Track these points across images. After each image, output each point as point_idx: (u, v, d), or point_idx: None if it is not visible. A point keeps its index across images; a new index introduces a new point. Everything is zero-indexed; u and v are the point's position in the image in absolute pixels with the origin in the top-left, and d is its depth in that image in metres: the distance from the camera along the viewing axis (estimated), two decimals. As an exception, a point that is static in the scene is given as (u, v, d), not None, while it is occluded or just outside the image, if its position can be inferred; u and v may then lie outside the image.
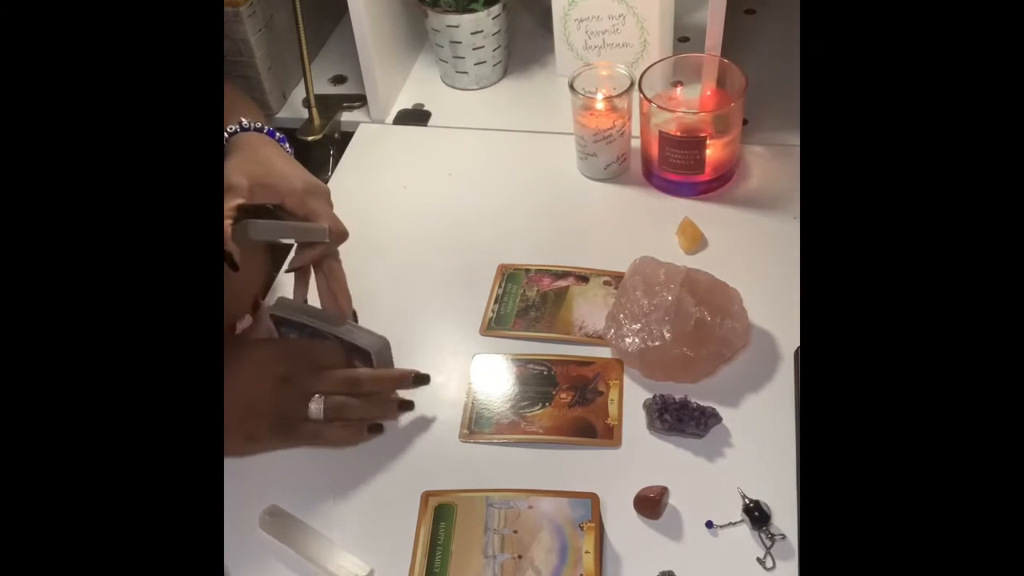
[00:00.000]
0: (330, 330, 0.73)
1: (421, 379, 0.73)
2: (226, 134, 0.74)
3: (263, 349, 0.72)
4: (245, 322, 0.76)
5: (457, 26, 1.04)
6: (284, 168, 0.73)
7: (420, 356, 0.79)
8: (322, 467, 0.71)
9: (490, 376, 0.77)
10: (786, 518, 0.65)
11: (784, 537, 0.64)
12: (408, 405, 0.73)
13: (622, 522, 0.66)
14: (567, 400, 0.74)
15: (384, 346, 0.73)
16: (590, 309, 0.82)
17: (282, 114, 1.10)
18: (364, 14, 0.97)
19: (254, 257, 0.84)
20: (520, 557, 0.64)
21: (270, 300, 0.85)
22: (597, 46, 1.06)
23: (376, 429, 0.72)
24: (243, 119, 0.75)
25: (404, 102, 1.10)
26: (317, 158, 1.05)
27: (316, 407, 0.69)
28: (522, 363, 0.78)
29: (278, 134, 0.78)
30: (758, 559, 0.63)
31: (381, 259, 0.87)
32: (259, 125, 0.76)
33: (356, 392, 0.71)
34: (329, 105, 1.07)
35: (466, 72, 1.09)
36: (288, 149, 0.78)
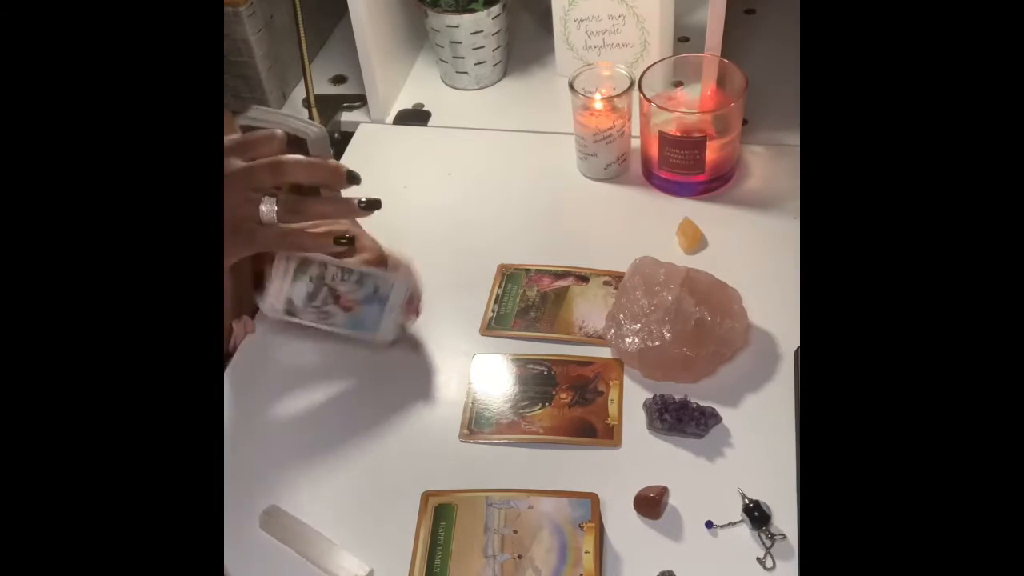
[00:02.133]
0: (270, 124, 0.67)
1: (372, 203, 0.68)
2: None
3: None
4: (241, 325, 0.76)
5: (457, 26, 1.04)
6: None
7: (420, 356, 0.79)
8: (322, 467, 0.71)
9: (490, 376, 0.77)
10: (786, 518, 0.65)
11: (784, 537, 0.64)
12: (375, 203, 0.68)
13: (622, 522, 0.66)
14: (567, 400, 0.74)
15: (321, 136, 0.68)
16: (590, 309, 0.82)
17: (282, 114, 1.10)
18: (364, 14, 0.97)
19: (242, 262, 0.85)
20: (520, 557, 0.64)
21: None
22: (597, 46, 1.06)
23: (374, 205, 0.68)
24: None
25: (404, 102, 1.10)
26: (317, 158, 1.05)
27: (267, 208, 0.65)
28: (522, 363, 0.78)
29: None
30: (758, 559, 0.63)
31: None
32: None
33: (284, 179, 0.66)
34: (329, 105, 1.07)
35: (466, 72, 1.09)
36: None
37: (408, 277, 0.74)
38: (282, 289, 0.70)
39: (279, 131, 0.67)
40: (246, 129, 0.71)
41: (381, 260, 0.75)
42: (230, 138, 0.67)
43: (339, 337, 0.74)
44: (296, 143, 0.67)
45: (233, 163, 0.65)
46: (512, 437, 0.72)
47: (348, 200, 0.68)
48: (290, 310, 0.71)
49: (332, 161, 0.69)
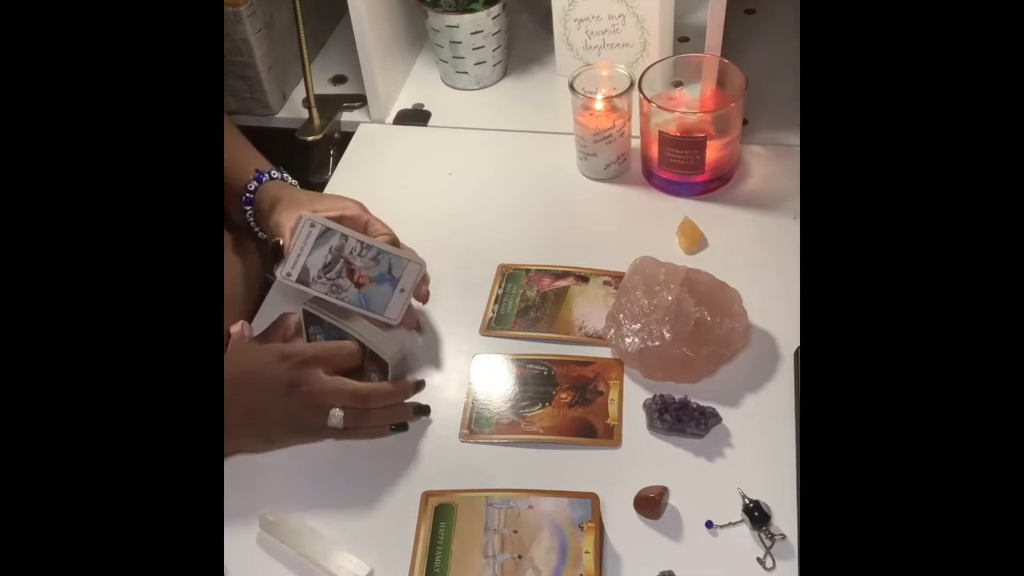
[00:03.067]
0: (356, 335, 0.72)
1: (421, 409, 0.73)
2: (253, 184, 0.80)
3: (265, 354, 0.71)
4: (238, 327, 0.76)
5: (457, 26, 1.04)
6: (327, 197, 0.79)
7: (420, 356, 0.79)
8: (322, 467, 0.71)
9: (490, 376, 0.77)
10: (786, 518, 0.65)
11: (784, 537, 0.64)
12: (424, 410, 0.73)
13: (622, 522, 0.66)
14: (567, 400, 0.74)
15: (402, 359, 0.73)
16: (590, 309, 0.82)
17: (282, 114, 1.10)
18: (364, 14, 0.97)
19: (244, 261, 0.85)
20: (520, 557, 0.64)
21: (269, 303, 0.85)
22: (597, 46, 1.06)
23: (401, 428, 0.72)
24: (261, 168, 0.81)
25: (404, 102, 1.10)
26: (317, 158, 1.05)
27: (336, 419, 0.69)
28: (522, 363, 0.78)
29: (285, 175, 0.84)
30: (758, 559, 0.63)
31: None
32: (275, 174, 0.82)
33: (361, 407, 0.70)
34: (329, 105, 1.07)
35: (466, 72, 1.09)
36: (293, 182, 0.84)
37: (420, 262, 0.76)
38: (301, 255, 0.72)
39: (355, 347, 0.72)
40: (309, 318, 0.76)
41: (395, 243, 0.77)
42: (313, 348, 0.72)
43: (341, 331, 0.74)
44: (374, 358, 0.74)
45: (318, 376, 0.69)
46: (512, 437, 0.72)
47: (404, 406, 0.73)
48: (303, 279, 0.72)
49: (403, 383, 0.72)
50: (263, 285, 0.87)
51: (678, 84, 0.96)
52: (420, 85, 1.13)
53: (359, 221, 0.77)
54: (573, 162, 0.97)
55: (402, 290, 0.75)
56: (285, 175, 0.84)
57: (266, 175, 0.81)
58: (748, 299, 0.78)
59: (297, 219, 0.73)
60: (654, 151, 0.91)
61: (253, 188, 0.81)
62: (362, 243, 0.74)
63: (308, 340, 0.75)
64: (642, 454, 0.70)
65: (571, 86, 0.91)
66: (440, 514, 0.67)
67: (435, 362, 0.78)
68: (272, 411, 0.69)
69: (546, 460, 0.71)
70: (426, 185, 0.98)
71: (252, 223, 0.82)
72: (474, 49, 1.06)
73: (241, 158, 0.84)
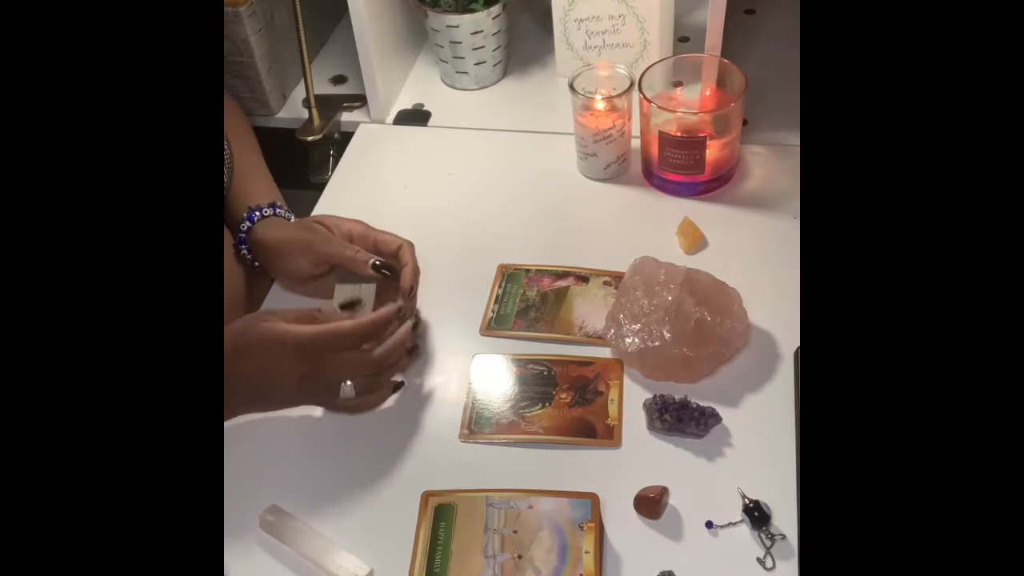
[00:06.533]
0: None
1: (404, 316, 0.74)
2: (246, 224, 0.82)
3: (277, 350, 0.69)
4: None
5: (457, 26, 1.04)
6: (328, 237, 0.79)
7: (420, 356, 0.79)
8: (322, 467, 0.71)
9: (490, 376, 0.77)
10: (786, 518, 0.65)
11: (784, 537, 0.64)
12: (415, 350, 0.78)
13: (622, 522, 0.66)
14: (567, 400, 0.74)
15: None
16: (590, 309, 0.82)
17: (282, 114, 1.10)
18: (364, 14, 0.97)
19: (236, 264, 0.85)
20: (520, 557, 0.64)
21: (269, 302, 0.85)
22: (597, 46, 1.06)
23: (399, 387, 0.75)
24: (253, 203, 0.83)
25: (404, 102, 1.10)
26: (317, 158, 1.05)
27: (347, 391, 0.70)
28: (522, 363, 0.78)
29: (279, 210, 0.84)
30: (758, 559, 0.63)
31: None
32: (266, 211, 0.83)
33: (369, 361, 0.70)
34: (329, 105, 1.07)
35: (466, 72, 1.09)
36: (288, 215, 0.85)
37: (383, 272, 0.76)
38: None
39: (393, 308, 0.72)
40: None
41: (408, 250, 0.77)
42: (363, 323, 0.70)
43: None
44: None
45: (367, 354, 0.70)
46: (512, 437, 0.72)
47: (400, 356, 0.74)
48: None
49: (384, 311, 0.72)
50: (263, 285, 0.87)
51: (678, 84, 0.96)
52: (420, 85, 1.13)
53: (367, 240, 0.78)
54: (573, 162, 0.97)
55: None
56: (278, 210, 0.83)
57: (257, 213, 0.82)
58: (748, 299, 0.78)
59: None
60: (654, 151, 0.91)
61: (246, 228, 0.82)
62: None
63: None
64: (642, 454, 0.70)
65: (571, 86, 0.91)
66: (440, 514, 0.67)
67: (435, 362, 0.78)
68: (283, 396, 0.71)
69: (546, 460, 0.71)
70: (426, 185, 0.98)
71: (249, 261, 0.83)
72: (474, 49, 1.06)
73: (246, 186, 0.86)
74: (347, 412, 0.73)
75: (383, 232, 0.78)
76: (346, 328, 0.69)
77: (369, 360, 0.70)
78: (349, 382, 0.69)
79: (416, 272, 0.77)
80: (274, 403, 0.72)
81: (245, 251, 0.83)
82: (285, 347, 0.67)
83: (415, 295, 0.78)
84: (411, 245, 0.77)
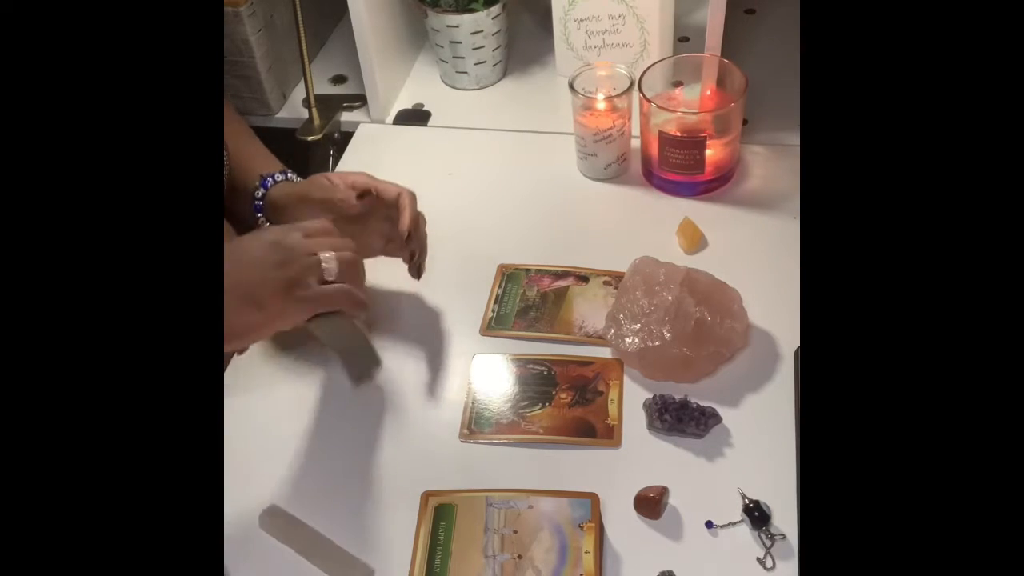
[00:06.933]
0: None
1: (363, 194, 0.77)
2: (260, 191, 0.82)
3: (253, 242, 0.68)
4: None
5: (457, 26, 1.04)
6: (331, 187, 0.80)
7: (420, 356, 0.79)
8: (322, 467, 0.71)
9: (490, 376, 0.77)
10: (786, 518, 0.65)
11: (784, 537, 0.64)
12: (420, 271, 0.80)
13: (622, 522, 0.66)
14: (567, 400, 0.74)
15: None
16: (590, 309, 0.82)
17: (282, 114, 1.10)
18: (364, 14, 0.97)
19: None
20: (520, 557, 0.64)
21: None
22: (597, 46, 1.06)
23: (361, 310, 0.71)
24: (264, 172, 0.83)
25: (404, 102, 1.10)
26: (317, 158, 1.05)
27: (331, 261, 0.67)
28: (522, 363, 0.78)
29: (290, 175, 0.85)
30: (758, 559, 0.63)
31: (380, 259, 0.87)
32: (279, 176, 0.83)
33: (341, 241, 0.69)
34: (329, 105, 1.07)
35: (466, 72, 1.09)
36: (296, 180, 0.85)
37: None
38: None
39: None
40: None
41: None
42: (320, 225, 0.70)
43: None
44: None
45: (305, 242, 0.67)
46: (512, 437, 0.72)
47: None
48: None
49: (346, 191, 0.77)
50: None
51: (678, 84, 0.96)
52: (420, 85, 1.13)
53: (369, 188, 0.79)
54: (573, 162, 0.97)
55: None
56: (289, 175, 0.84)
57: (270, 179, 0.82)
58: (748, 299, 0.78)
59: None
60: (654, 151, 0.91)
61: (260, 195, 0.82)
62: None
63: None
64: (642, 454, 0.70)
65: (571, 86, 0.91)
66: (440, 514, 0.67)
67: (435, 362, 0.78)
68: (264, 280, 0.66)
69: (546, 460, 0.71)
70: (426, 185, 0.97)
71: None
72: (474, 49, 1.06)
73: (251, 161, 0.86)
74: (328, 305, 0.69)
75: (384, 181, 0.79)
76: (316, 222, 0.70)
77: (341, 241, 0.69)
78: (330, 253, 0.67)
79: (415, 218, 0.78)
80: (259, 301, 0.65)
81: (262, 218, 0.82)
82: (260, 240, 0.67)
83: (423, 237, 0.80)
84: (412, 194, 0.78)
